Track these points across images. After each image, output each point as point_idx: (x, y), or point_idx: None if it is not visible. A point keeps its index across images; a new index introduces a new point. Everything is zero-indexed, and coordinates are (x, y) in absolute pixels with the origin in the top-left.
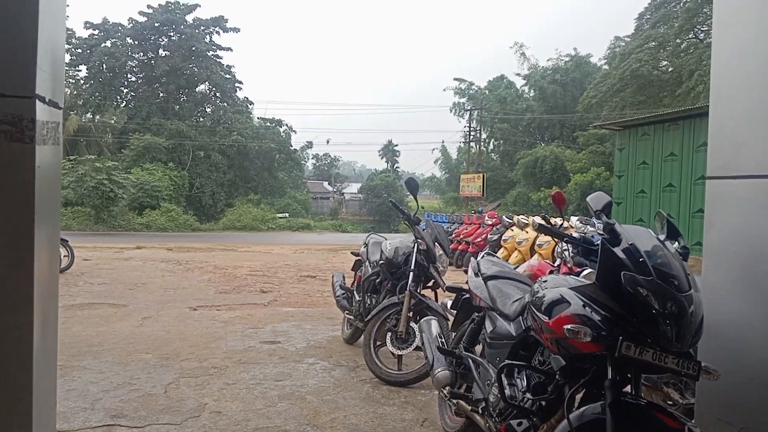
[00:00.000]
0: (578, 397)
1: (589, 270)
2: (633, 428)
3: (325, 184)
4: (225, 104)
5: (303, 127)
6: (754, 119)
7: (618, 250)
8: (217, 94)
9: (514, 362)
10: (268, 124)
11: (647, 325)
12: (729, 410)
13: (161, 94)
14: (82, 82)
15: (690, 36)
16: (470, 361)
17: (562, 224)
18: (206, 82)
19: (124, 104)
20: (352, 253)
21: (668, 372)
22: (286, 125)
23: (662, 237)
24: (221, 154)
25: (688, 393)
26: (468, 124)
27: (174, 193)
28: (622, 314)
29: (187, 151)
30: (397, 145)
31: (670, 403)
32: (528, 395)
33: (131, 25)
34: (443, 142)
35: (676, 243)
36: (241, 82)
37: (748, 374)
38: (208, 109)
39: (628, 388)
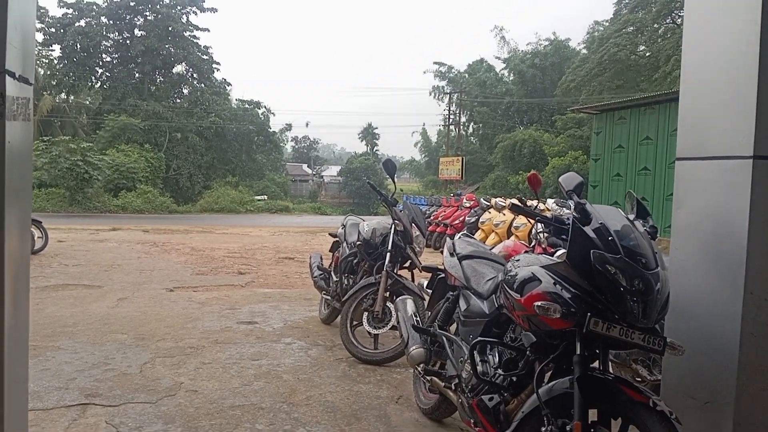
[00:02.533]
0: (548, 373)
1: (562, 250)
2: (600, 401)
3: (305, 166)
4: (202, 85)
5: (282, 109)
6: (721, 102)
7: (588, 229)
8: (194, 75)
9: (486, 339)
10: (247, 105)
11: (615, 302)
12: (694, 385)
13: (137, 75)
14: (55, 62)
15: (667, 21)
16: (444, 339)
17: (537, 206)
18: (183, 63)
19: (99, 85)
20: (329, 234)
21: (635, 347)
22: (265, 107)
23: (632, 217)
24: (199, 135)
25: (656, 369)
26: (448, 108)
27: (150, 174)
28: (591, 291)
29: (163, 133)
30: (376, 128)
31: (639, 379)
32: (499, 371)
33: (106, 4)
34: (423, 125)
35: (646, 223)
36: (218, 63)
37: (712, 350)
38: (185, 90)
39: (596, 364)
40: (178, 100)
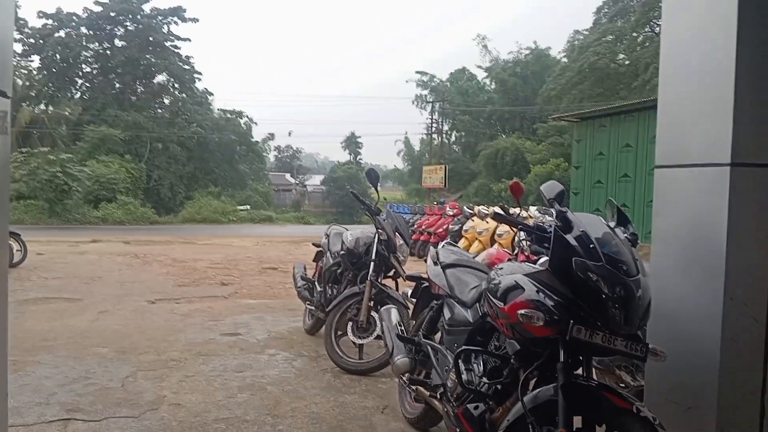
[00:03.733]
0: (532, 381)
1: (545, 258)
2: (584, 408)
3: (288, 176)
4: (184, 95)
5: (264, 118)
6: (699, 110)
7: (570, 237)
8: (176, 85)
9: (471, 348)
10: (229, 115)
11: (597, 309)
12: (676, 390)
13: (117, 85)
14: (35, 72)
15: (646, 29)
16: (429, 348)
17: (520, 214)
18: (164, 73)
19: (78, 95)
20: (313, 244)
21: (617, 354)
22: (247, 117)
23: (612, 224)
24: (180, 146)
25: (639, 375)
26: (430, 116)
27: (131, 185)
28: (573, 299)
29: (144, 143)
30: (359, 137)
31: (623, 385)
32: (484, 379)
33: (86, 14)
34: (406, 133)
35: (626, 230)
36: (200, 73)
37: (693, 355)
38: (166, 101)
39: (580, 371)
40: (160, 111)
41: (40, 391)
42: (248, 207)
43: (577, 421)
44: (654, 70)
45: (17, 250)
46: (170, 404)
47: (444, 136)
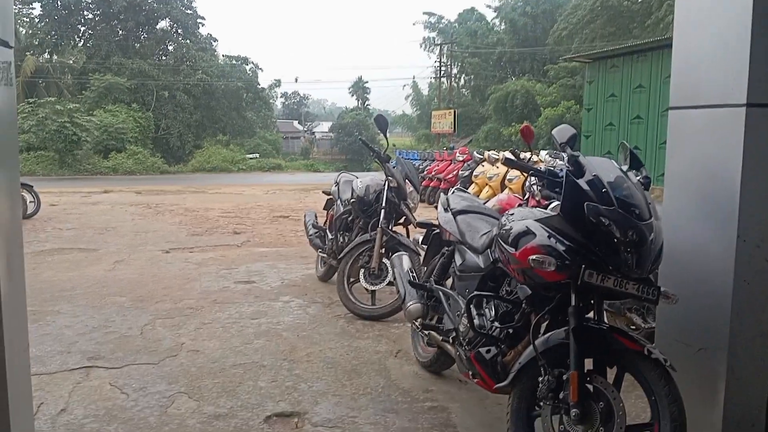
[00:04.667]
0: (544, 324)
1: (556, 203)
2: (595, 351)
3: (296, 123)
4: (188, 41)
5: (270, 65)
6: (714, 50)
7: (582, 182)
8: (179, 31)
9: (482, 293)
10: (234, 62)
11: (609, 254)
12: (687, 332)
13: (120, 32)
14: (36, 20)
15: None
16: (441, 293)
17: (530, 158)
18: (167, 18)
19: (82, 43)
20: (323, 192)
21: (629, 297)
22: (253, 63)
23: (625, 168)
24: (186, 93)
25: (650, 317)
26: (438, 59)
27: (140, 135)
28: (585, 243)
29: (150, 92)
30: (367, 82)
31: (633, 327)
32: (496, 324)
33: None
34: (414, 78)
35: (639, 173)
36: (203, 18)
37: (705, 297)
38: (170, 47)
39: (591, 314)
40: (164, 58)
41: (61, 340)
42: (257, 155)
43: (588, 363)
44: (668, 8)
45: (30, 202)
46: (188, 351)
47: (453, 79)
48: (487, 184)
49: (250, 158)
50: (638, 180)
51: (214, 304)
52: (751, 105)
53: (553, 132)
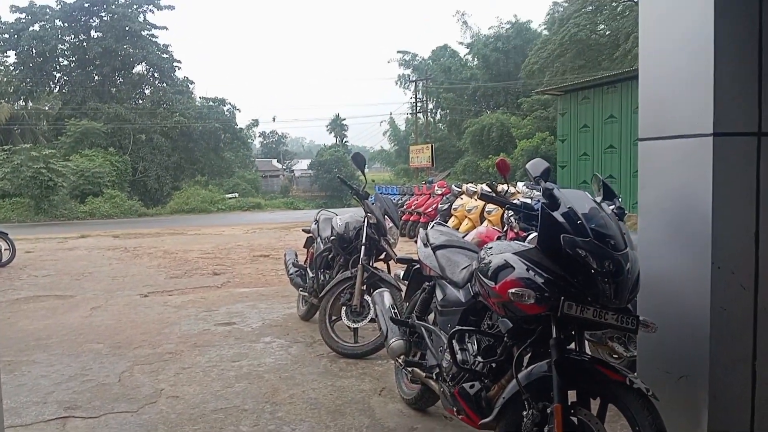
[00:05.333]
0: (526, 357)
1: (533, 234)
2: (578, 382)
3: (274, 161)
4: (164, 85)
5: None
6: (679, 80)
7: (557, 214)
8: (156, 75)
9: (464, 328)
10: (211, 103)
11: (587, 285)
12: (668, 360)
13: (96, 77)
14: (11, 68)
15: None
16: (423, 329)
17: (507, 191)
18: (143, 63)
19: (57, 89)
20: (303, 230)
21: (608, 327)
22: (230, 104)
23: (599, 199)
24: (164, 136)
25: (632, 346)
26: (414, 95)
27: (117, 178)
28: (563, 275)
29: (127, 135)
30: (344, 119)
31: (616, 356)
32: (479, 358)
33: (60, 6)
34: (391, 114)
35: (612, 203)
36: (179, 62)
37: (684, 325)
38: (146, 91)
39: (573, 345)
40: (141, 101)
41: (37, 390)
42: (236, 195)
43: (572, 396)
44: (634, 40)
45: (5, 249)
46: (168, 397)
47: (429, 114)
48: (466, 217)
49: (229, 198)
50: (612, 210)
51: (193, 347)
52: (718, 134)
53: (527, 166)
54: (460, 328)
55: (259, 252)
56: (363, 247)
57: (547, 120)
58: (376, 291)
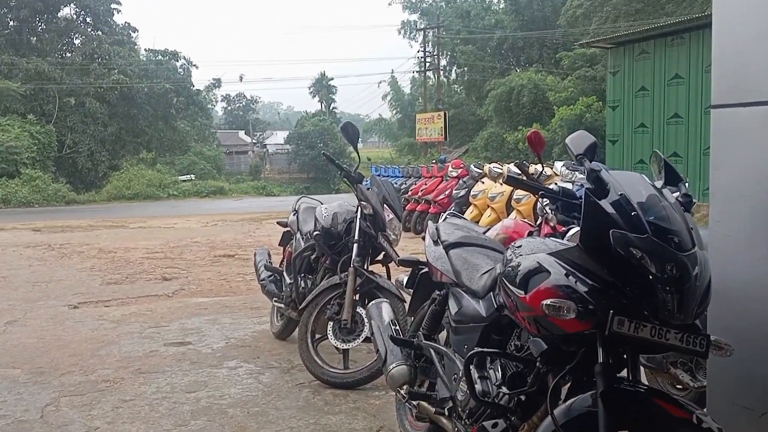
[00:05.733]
0: (564, 388)
1: (575, 229)
2: (631, 420)
3: (241, 134)
4: (99, 33)
5: (207, 60)
6: (765, 32)
7: (605, 203)
8: (88, 20)
9: (485, 350)
10: (160, 57)
11: (643, 294)
12: (746, 392)
13: (11, 23)
14: None
15: None
16: (432, 351)
17: (542, 172)
18: (71, 5)
19: None
20: (278, 223)
21: (671, 350)
22: (185, 59)
23: (659, 183)
24: (99, 100)
25: (701, 374)
26: (422, 48)
27: (38, 155)
28: (612, 282)
29: (52, 99)
30: (332, 79)
31: (680, 387)
32: (503, 389)
33: None
34: (392, 72)
35: (678, 190)
36: (119, 3)
37: (767, 348)
38: (76, 41)
39: (624, 373)
40: (69, 54)
41: None
42: (192, 177)
43: None
44: None
45: None
46: None
47: (441, 73)
48: (488, 207)
49: (184, 181)
50: (677, 199)
51: (137, 374)
52: None
53: (567, 141)
54: (479, 350)
55: (221, 251)
56: (355, 246)
57: (593, 81)
58: (373, 302)
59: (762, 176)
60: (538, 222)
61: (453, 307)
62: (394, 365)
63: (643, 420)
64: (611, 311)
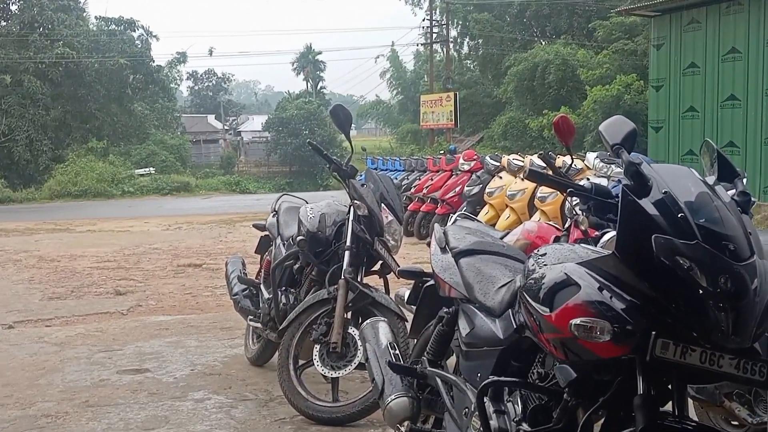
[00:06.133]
0: (598, 424)
1: (610, 234)
2: None
3: (211, 118)
4: None
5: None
6: None
7: (646, 203)
8: None
9: (501, 379)
10: (114, 26)
11: (691, 312)
12: None
13: None
14: None
15: None
16: (439, 380)
17: (571, 165)
18: None
19: None
20: (254, 226)
21: (725, 379)
22: (143, 28)
23: (711, 179)
24: (40, 78)
25: (760, 407)
26: (428, 15)
27: None
28: (654, 298)
29: None
30: (320, 53)
31: (735, 423)
32: (524, 426)
33: None
34: (392, 45)
35: (734, 187)
36: None
37: None
38: (13, 6)
39: (669, 406)
40: (3, 24)
41: None
42: (151, 170)
43: None
44: None
45: None
46: None
47: (451, 46)
48: (507, 207)
49: (141, 175)
50: (732, 198)
51: (84, 407)
52: None
53: (601, 129)
54: (495, 378)
55: (186, 259)
56: (347, 253)
57: (633, 56)
58: (368, 321)
59: None
60: (567, 225)
61: (464, 327)
62: (392, 397)
63: None
64: (653, 332)
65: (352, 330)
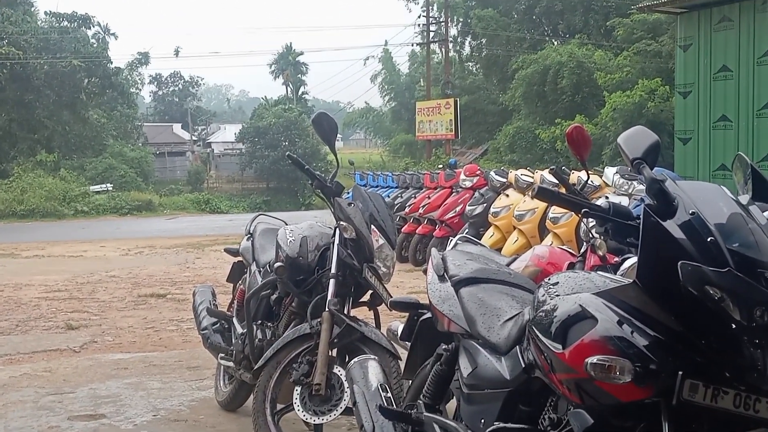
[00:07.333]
0: None
1: (632, 260)
2: None
3: (177, 128)
4: None
5: (130, 28)
6: None
7: (672, 225)
8: None
9: (508, 426)
10: (66, 23)
11: (723, 349)
12: None
13: None
14: None
15: None
16: (437, 427)
17: (586, 182)
18: None
19: None
20: (226, 250)
21: (762, 425)
22: (99, 25)
23: (745, 198)
24: None
25: None
26: (425, 12)
27: None
28: (681, 333)
29: None
30: (302, 54)
31: None
32: None
33: None
34: (385, 45)
35: None
36: None
37: None
38: None
39: None
40: None
41: None
42: (109, 186)
43: None
44: None
45: None
46: None
47: (451, 47)
48: (515, 228)
49: (97, 192)
50: None
51: None
52: None
53: (620, 140)
54: (501, 425)
55: (148, 289)
56: (332, 282)
57: (657, 58)
58: (355, 360)
59: None
60: (582, 250)
61: (465, 366)
62: None
63: None
64: (680, 373)
65: (337, 370)
